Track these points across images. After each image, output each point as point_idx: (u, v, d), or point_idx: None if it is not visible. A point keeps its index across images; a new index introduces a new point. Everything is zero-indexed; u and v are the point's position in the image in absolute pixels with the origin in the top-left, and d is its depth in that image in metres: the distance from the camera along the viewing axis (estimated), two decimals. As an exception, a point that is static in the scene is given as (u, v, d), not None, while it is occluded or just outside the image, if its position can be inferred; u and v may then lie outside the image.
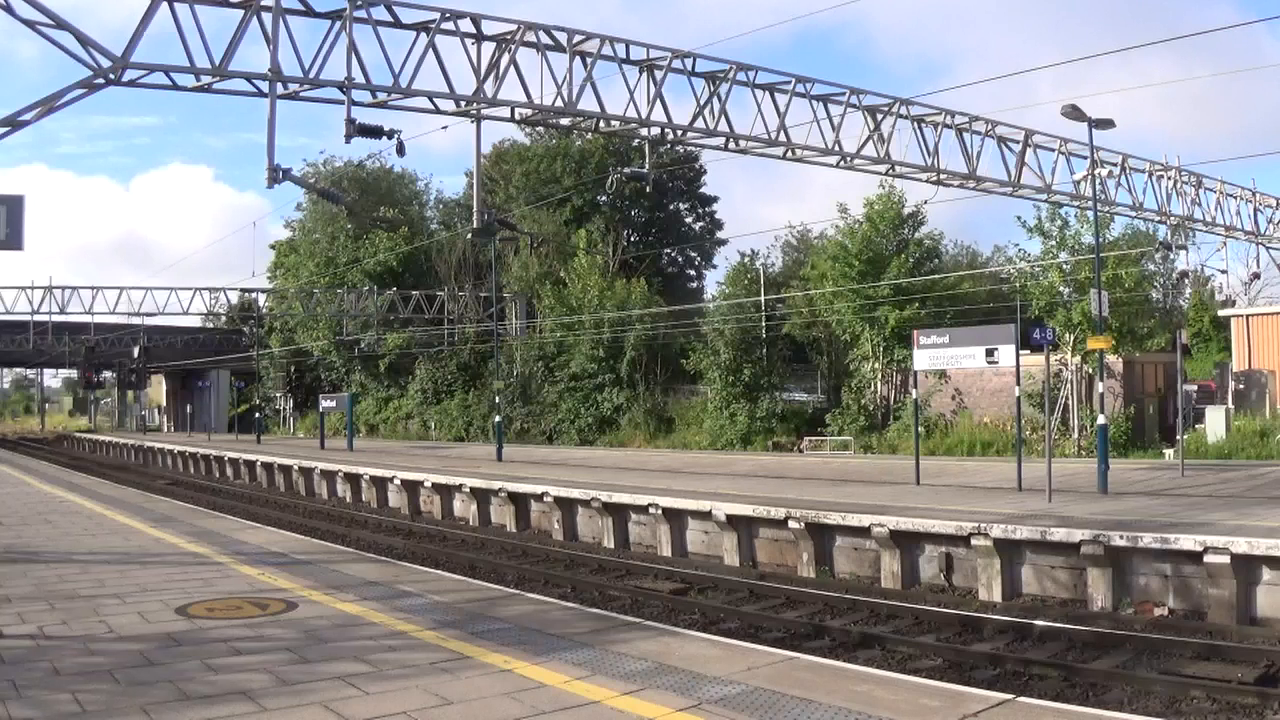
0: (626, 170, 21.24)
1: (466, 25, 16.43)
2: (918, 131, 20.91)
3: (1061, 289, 28.80)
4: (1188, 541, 11.80)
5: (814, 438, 33.68)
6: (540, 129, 46.05)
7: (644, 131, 18.81)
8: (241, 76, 14.64)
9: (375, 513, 25.78)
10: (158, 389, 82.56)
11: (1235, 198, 28.92)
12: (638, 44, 18.05)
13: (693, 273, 59.53)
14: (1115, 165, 24.01)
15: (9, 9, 12.62)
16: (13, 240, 11.48)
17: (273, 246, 65.01)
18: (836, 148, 19.81)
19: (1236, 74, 79.31)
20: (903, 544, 14.50)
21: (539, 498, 21.48)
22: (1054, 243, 29.19)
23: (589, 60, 17.37)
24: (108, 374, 70.44)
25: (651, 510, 18.43)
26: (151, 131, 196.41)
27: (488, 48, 16.70)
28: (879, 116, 20.36)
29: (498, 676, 6.57)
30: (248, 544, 13.21)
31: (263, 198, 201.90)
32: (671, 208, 57.04)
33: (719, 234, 57.75)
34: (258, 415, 54.01)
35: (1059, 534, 12.88)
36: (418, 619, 8.39)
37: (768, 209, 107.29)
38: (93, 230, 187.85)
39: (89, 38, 13.34)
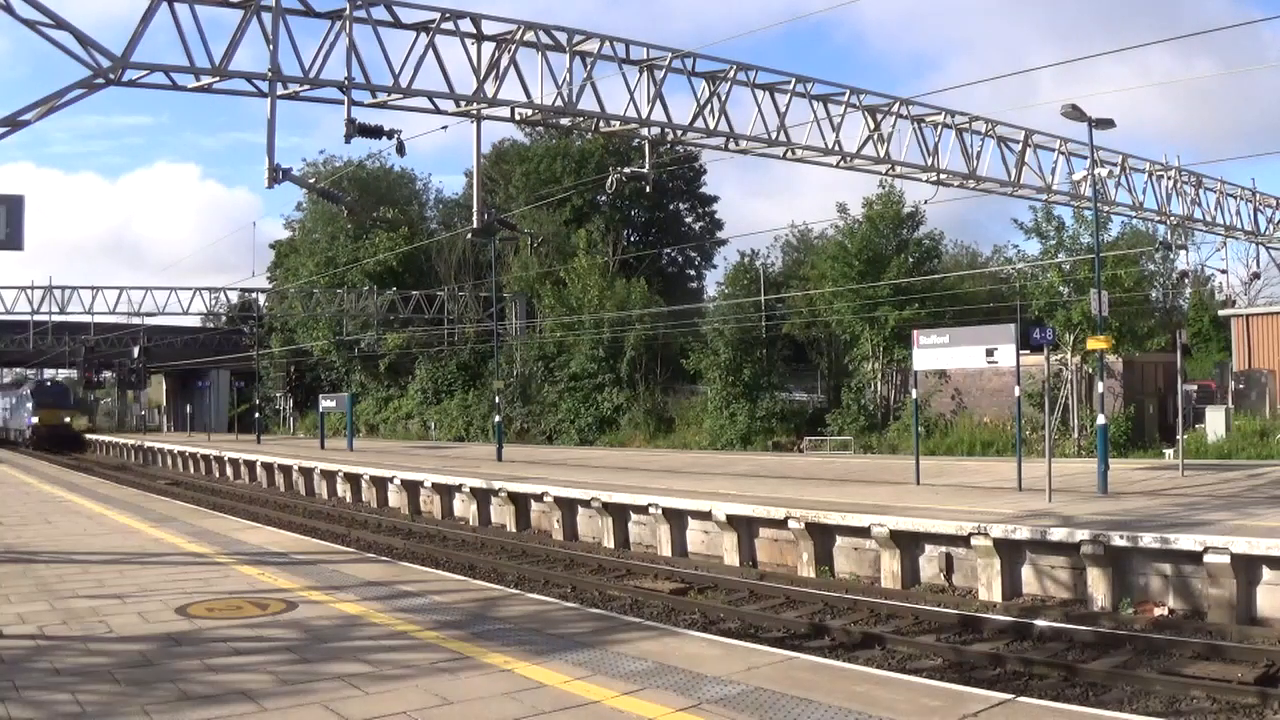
0: (626, 170, 21.14)
1: (466, 25, 16.40)
2: (917, 131, 20.90)
3: (1061, 289, 28.85)
4: (1188, 541, 11.81)
5: (814, 438, 33.69)
6: (540, 129, 46.05)
7: (644, 131, 18.77)
8: (241, 76, 14.60)
9: (375, 513, 25.78)
10: (158, 389, 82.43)
11: (1235, 197, 28.91)
12: (637, 44, 18.03)
13: (693, 273, 59.57)
14: (1115, 165, 23.98)
15: (9, 9, 12.59)
16: (13, 240, 11.47)
17: (272, 246, 65.13)
18: (836, 148, 19.79)
19: (1238, 72, 79.26)
20: (903, 544, 14.50)
21: (539, 498, 21.47)
22: (1052, 243, 29.26)
23: (589, 60, 17.34)
24: (108, 374, 70.36)
25: (651, 510, 18.43)
26: (145, 131, 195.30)
27: (488, 48, 16.67)
28: (879, 116, 20.34)
29: (498, 676, 6.57)
30: (248, 544, 13.21)
31: (254, 194, 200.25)
32: (671, 208, 57.00)
33: (719, 234, 57.80)
34: (258, 415, 53.97)
35: (1059, 534, 12.88)
36: (418, 619, 8.39)
37: (762, 206, 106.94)
38: (82, 227, 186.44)
39: (89, 37, 13.32)
